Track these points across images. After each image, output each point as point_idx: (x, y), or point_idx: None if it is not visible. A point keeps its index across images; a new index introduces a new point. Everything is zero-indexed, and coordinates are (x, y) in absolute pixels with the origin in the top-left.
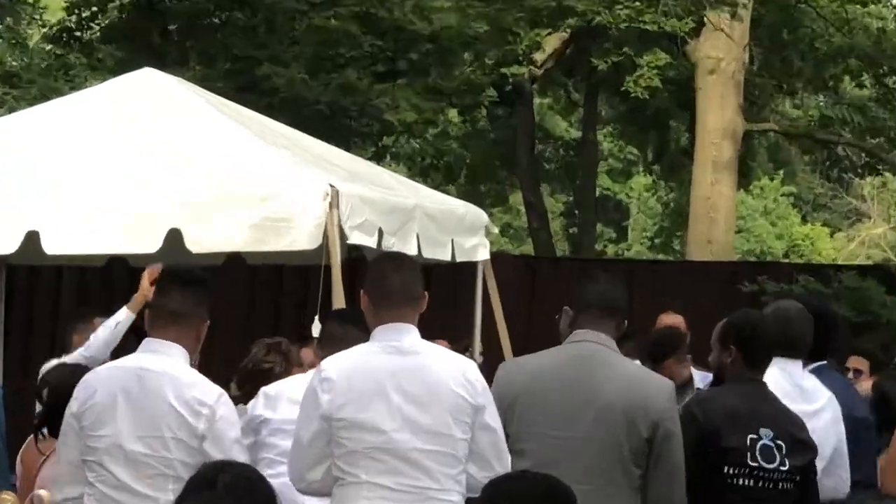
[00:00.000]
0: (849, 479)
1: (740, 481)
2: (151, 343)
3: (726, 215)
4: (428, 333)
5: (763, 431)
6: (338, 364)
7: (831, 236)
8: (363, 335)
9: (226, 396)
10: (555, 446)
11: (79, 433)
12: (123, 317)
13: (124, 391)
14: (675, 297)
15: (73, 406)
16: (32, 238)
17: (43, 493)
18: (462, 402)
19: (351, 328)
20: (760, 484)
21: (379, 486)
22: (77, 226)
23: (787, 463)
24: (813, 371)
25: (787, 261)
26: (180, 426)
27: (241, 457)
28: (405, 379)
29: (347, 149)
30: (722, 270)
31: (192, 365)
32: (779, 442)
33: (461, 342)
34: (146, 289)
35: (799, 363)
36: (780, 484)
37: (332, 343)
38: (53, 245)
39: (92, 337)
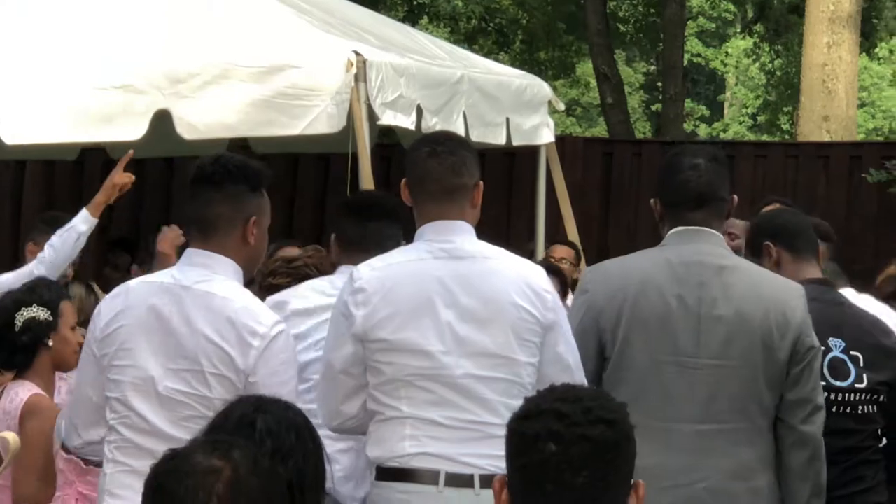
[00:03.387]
0: None
1: None
2: (193, 255)
3: (846, 86)
4: (477, 236)
5: (833, 341)
6: (375, 271)
7: None
8: (398, 232)
9: (283, 325)
10: (671, 376)
11: (99, 363)
12: (82, 223)
13: (157, 313)
14: (784, 186)
15: (94, 329)
16: None
17: (8, 434)
18: (528, 318)
19: (379, 223)
20: (833, 409)
21: (425, 420)
22: (42, 110)
23: (865, 379)
24: None
25: None
26: (223, 360)
27: (295, 391)
28: (457, 289)
29: (375, 9)
30: (842, 153)
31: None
32: (854, 353)
33: (523, 247)
34: (114, 184)
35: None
36: (860, 407)
37: (355, 242)
38: (13, 134)
39: (46, 248)
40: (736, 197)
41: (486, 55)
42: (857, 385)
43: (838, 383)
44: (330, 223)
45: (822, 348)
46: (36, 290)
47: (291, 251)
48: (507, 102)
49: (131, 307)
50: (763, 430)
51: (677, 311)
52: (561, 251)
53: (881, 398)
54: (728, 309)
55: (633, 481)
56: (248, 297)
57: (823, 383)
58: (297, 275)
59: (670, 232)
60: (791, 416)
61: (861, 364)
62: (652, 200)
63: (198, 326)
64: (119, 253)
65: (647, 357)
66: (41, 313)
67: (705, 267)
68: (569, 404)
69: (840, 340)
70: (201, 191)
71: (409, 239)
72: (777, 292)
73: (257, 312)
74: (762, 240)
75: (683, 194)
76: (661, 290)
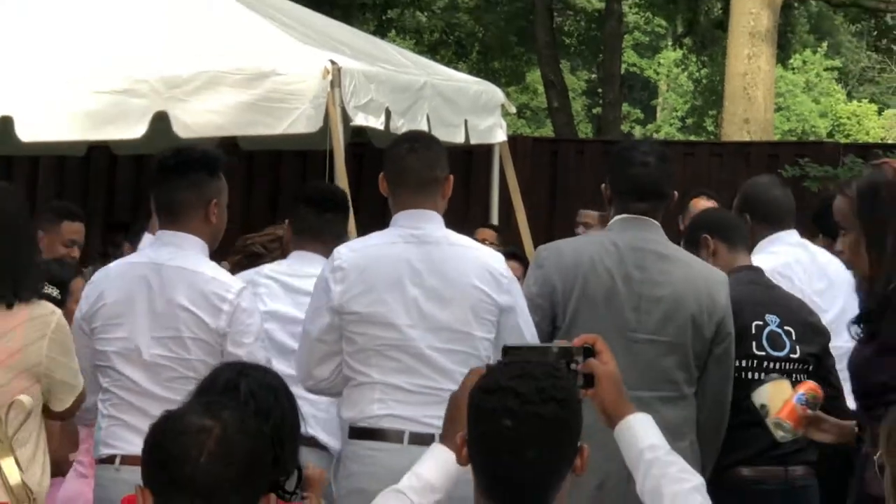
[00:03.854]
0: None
1: (748, 374)
2: (163, 236)
3: (765, 92)
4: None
5: (769, 317)
6: (353, 253)
7: (879, 114)
8: (341, 223)
9: (248, 291)
10: (614, 348)
11: (89, 337)
12: None
13: (137, 289)
14: (709, 181)
15: (81, 307)
16: (6, 125)
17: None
18: (485, 299)
19: (325, 214)
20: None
21: (392, 386)
22: (54, 111)
23: (798, 350)
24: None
25: (831, 140)
26: (199, 324)
27: (262, 354)
28: (424, 271)
29: (349, 23)
30: (760, 152)
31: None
32: (787, 327)
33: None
34: None
35: (793, 232)
36: (794, 375)
37: (305, 230)
38: (28, 132)
39: None
40: (676, 193)
41: (447, 64)
42: (791, 355)
43: (776, 353)
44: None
45: (761, 323)
46: (49, 269)
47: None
48: (464, 106)
49: (114, 286)
50: (688, 396)
51: (622, 291)
52: (484, 233)
53: (811, 368)
54: (665, 291)
55: (578, 444)
56: (215, 269)
57: (763, 353)
58: (246, 252)
59: (616, 218)
60: (711, 387)
61: (794, 338)
62: (603, 185)
63: (174, 298)
64: (119, 234)
65: (593, 329)
66: (52, 290)
67: (647, 253)
68: (524, 383)
69: (776, 316)
70: (167, 180)
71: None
72: (707, 279)
73: (224, 281)
74: (700, 233)
75: (632, 186)
76: (609, 271)
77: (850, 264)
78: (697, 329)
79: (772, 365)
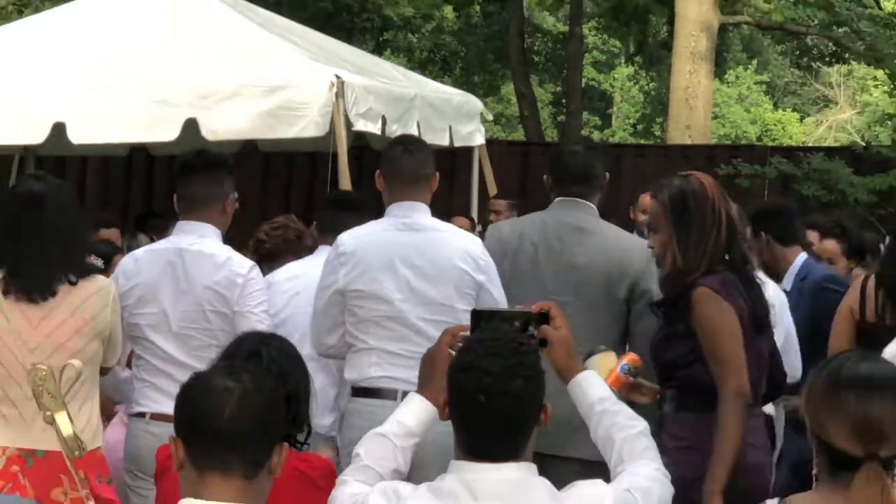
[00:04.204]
0: (800, 365)
1: None
2: (185, 225)
3: (703, 102)
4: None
5: None
6: (353, 239)
7: (801, 121)
8: (357, 220)
9: (257, 269)
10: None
11: (122, 312)
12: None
13: (164, 272)
14: (657, 178)
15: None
16: (59, 129)
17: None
18: (466, 277)
19: (345, 211)
20: None
21: (387, 351)
22: (100, 117)
23: None
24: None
25: (760, 143)
26: (218, 299)
27: (266, 323)
28: (414, 254)
29: (351, 43)
30: (700, 153)
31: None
32: None
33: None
34: None
35: None
36: None
37: (330, 228)
38: (78, 135)
39: None
40: (608, 175)
41: (434, 78)
42: None
43: None
44: (316, 209)
45: None
46: (96, 246)
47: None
48: (449, 114)
49: (144, 270)
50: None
51: (543, 260)
52: (460, 221)
53: None
54: (580, 259)
55: (543, 404)
56: (229, 251)
57: None
58: (254, 238)
59: (555, 200)
60: (636, 341)
61: None
62: (545, 176)
63: (197, 277)
64: (154, 221)
65: (522, 292)
66: (97, 261)
67: (567, 227)
68: (496, 362)
69: None
70: (191, 177)
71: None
72: (621, 248)
73: (237, 261)
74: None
75: (564, 172)
76: (535, 243)
77: (659, 259)
78: (610, 291)
79: None
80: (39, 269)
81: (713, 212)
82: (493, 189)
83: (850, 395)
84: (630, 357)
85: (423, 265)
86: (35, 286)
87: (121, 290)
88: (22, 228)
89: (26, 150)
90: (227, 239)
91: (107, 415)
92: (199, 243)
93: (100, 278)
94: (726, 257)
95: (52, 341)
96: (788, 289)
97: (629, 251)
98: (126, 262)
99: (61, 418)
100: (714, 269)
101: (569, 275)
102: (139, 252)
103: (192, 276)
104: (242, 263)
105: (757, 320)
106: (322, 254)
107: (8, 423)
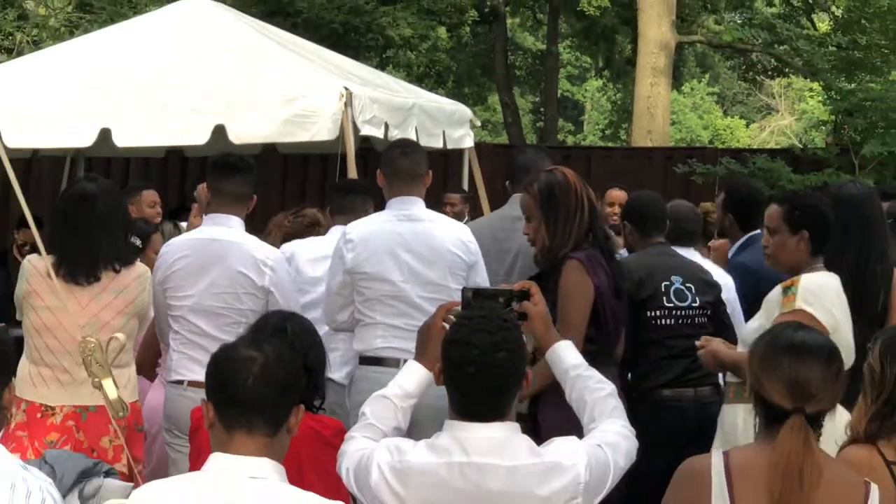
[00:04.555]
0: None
1: (662, 321)
2: (216, 217)
3: (662, 111)
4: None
5: (674, 278)
6: (359, 229)
7: (746, 127)
8: (364, 201)
9: (281, 256)
10: None
11: (163, 295)
12: None
13: (200, 258)
14: (623, 177)
15: (156, 273)
16: (105, 134)
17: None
18: (458, 260)
19: (350, 197)
20: (680, 321)
21: (391, 325)
22: (141, 123)
23: (698, 300)
24: (746, 241)
25: (711, 146)
26: (249, 282)
27: (295, 298)
28: (412, 241)
29: (357, 60)
30: (659, 155)
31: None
32: (688, 284)
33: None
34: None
35: (691, 250)
36: (696, 318)
37: (339, 210)
38: (122, 139)
39: None
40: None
41: (429, 90)
42: (692, 304)
43: (681, 304)
44: (327, 197)
45: (668, 283)
46: (137, 224)
47: (311, 211)
48: (442, 120)
49: (181, 256)
50: None
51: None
52: (451, 198)
53: (709, 312)
54: (419, 248)
55: (525, 372)
56: (257, 241)
57: (671, 304)
58: (284, 233)
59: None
60: None
61: (694, 291)
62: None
63: (229, 263)
64: (186, 214)
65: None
66: (136, 241)
67: (508, 218)
68: (483, 338)
69: (679, 276)
70: (227, 177)
71: (377, 208)
72: (449, 235)
73: (265, 250)
74: (622, 220)
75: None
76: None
77: (532, 242)
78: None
79: (679, 312)
80: (87, 257)
81: (576, 199)
82: (480, 187)
83: (784, 358)
84: None
85: (422, 251)
86: (81, 272)
87: (162, 274)
88: (77, 222)
89: (77, 151)
90: (251, 227)
91: (149, 380)
92: (230, 234)
93: (139, 266)
94: (590, 237)
95: (97, 320)
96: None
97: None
98: (167, 249)
99: (107, 384)
100: (580, 247)
101: (505, 256)
102: (179, 239)
103: (226, 262)
104: (270, 252)
105: (617, 288)
106: (334, 234)
107: (63, 387)
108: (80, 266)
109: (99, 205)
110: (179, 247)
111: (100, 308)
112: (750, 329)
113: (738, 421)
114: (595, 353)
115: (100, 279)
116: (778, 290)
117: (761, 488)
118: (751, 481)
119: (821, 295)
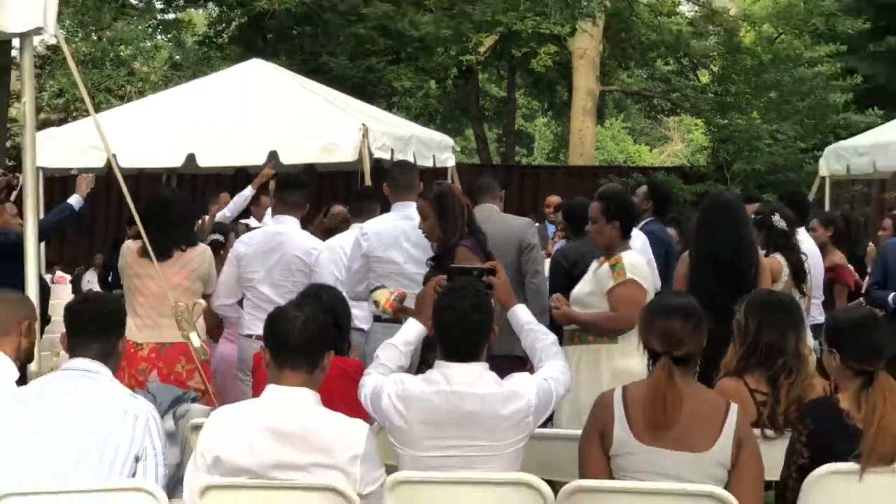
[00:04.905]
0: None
1: None
2: (280, 218)
3: (590, 140)
4: None
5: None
6: (373, 225)
7: (650, 151)
8: (374, 205)
9: (324, 245)
10: None
11: (238, 270)
12: (247, 192)
13: (267, 245)
14: (563, 187)
15: (233, 254)
16: (191, 157)
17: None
18: None
19: (365, 202)
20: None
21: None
22: (217, 149)
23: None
24: (648, 222)
25: (625, 165)
26: (301, 263)
27: (334, 277)
28: (410, 233)
29: (370, 103)
30: (588, 172)
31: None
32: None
33: None
34: (262, 178)
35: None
36: None
37: (357, 213)
38: (204, 161)
39: (231, 203)
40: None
41: (423, 126)
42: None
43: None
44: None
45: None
46: (219, 226)
47: (338, 208)
48: (433, 147)
49: (253, 244)
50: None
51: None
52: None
53: None
54: (415, 238)
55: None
56: (307, 235)
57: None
58: (325, 227)
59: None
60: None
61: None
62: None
63: (288, 250)
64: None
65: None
66: (219, 237)
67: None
68: (463, 301)
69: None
70: (290, 191)
71: (384, 210)
72: (508, 226)
73: (313, 241)
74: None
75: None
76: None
77: (428, 235)
78: (508, 254)
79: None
80: (163, 241)
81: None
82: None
83: (658, 316)
84: (398, 291)
85: (417, 240)
86: (157, 251)
87: (239, 255)
88: (157, 217)
89: (170, 171)
90: (302, 225)
91: (219, 333)
92: (288, 229)
93: (201, 245)
94: (466, 230)
95: (173, 283)
96: None
97: (516, 228)
98: (241, 239)
99: (193, 336)
100: (463, 236)
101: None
102: (255, 232)
103: (285, 249)
104: (316, 244)
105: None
106: (354, 230)
107: (149, 329)
108: (157, 247)
109: (172, 206)
110: (254, 237)
111: (174, 275)
112: (582, 292)
113: (574, 358)
114: None
115: (171, 256)
116: (606, 266)
117: (644, 412)
118: (640, 408)
119: (639, 267)
